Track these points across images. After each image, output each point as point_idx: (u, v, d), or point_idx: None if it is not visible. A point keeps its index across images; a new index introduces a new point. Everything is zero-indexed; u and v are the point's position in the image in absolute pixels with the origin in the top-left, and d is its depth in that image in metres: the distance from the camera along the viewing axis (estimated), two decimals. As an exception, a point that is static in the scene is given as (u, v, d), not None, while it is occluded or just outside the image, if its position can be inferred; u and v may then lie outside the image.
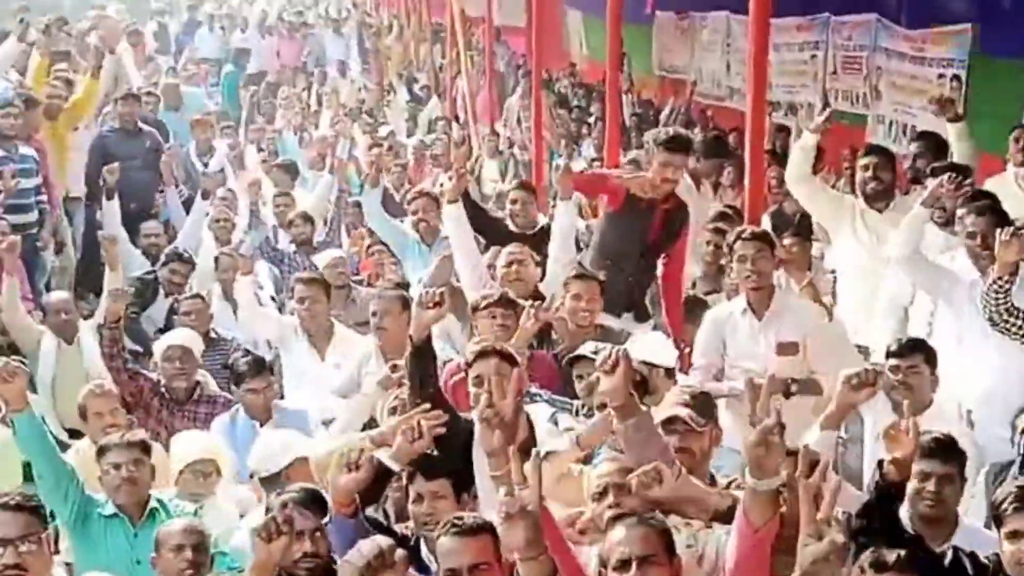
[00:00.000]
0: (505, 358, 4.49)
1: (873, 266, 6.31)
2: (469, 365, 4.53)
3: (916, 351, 4.93)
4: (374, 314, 6.09)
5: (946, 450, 4.01)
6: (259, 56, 18.82)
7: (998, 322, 5.13)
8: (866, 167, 6.52)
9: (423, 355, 4.49)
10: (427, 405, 4.07)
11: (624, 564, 3.20)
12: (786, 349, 5.53)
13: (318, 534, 3.86)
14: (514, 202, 7.37)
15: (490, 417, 3.38)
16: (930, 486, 3.95)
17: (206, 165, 10.61)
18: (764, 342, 5.56)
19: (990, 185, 6.71)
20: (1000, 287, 5.09)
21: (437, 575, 3.71)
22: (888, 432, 3.64)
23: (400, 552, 2.77)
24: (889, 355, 4.92)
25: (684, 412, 3.94)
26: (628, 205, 6.37)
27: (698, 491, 3.56)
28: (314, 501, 4.03)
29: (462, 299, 6.11)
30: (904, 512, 3.95)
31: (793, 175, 6.68)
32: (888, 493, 3.60)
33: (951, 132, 7.01)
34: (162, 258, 8.21)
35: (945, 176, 5.82)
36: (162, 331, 7.42)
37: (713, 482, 3.80)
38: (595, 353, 4.86)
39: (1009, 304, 5.07)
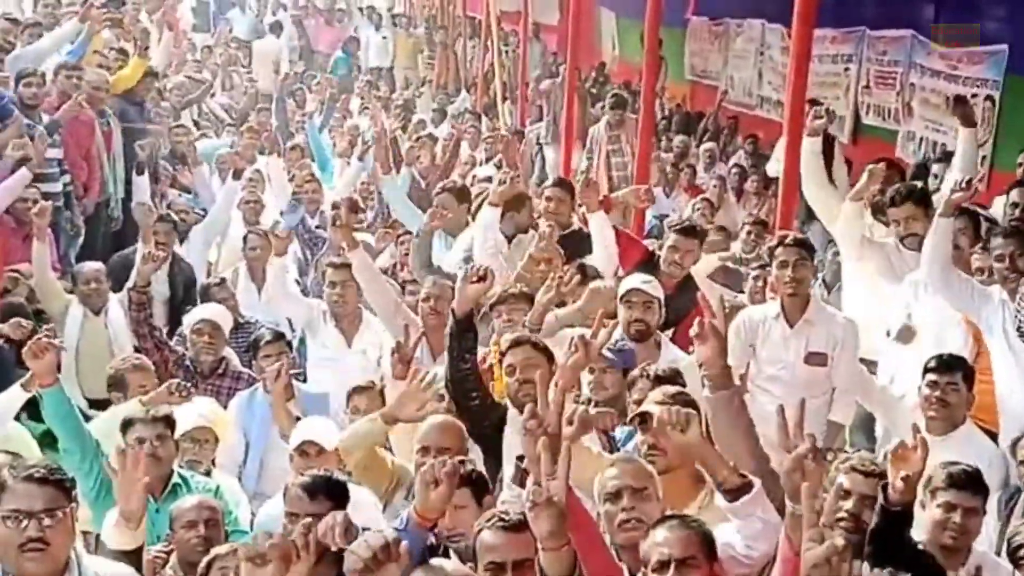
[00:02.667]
0: (539, 349, 4.50)
1: (879, 279, 6.25)
2: (503, 354, 4.54)
3: (956, 368, 4.85)
4: (426, 298, 6.06)
5: (975, 483, 3.97)
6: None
7: None
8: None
9: (465, 329, 4.53)
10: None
11: (663, 565, 3.20)
12: (815, 359, 5.52)
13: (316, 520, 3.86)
14: (549, 200, 7.29)
15: (533, 428, 3.24)
16: (956, 517, 3.91)
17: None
18: (793, 350, 5.54)
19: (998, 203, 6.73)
20: None
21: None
22: (895, 452, 3.55)
23: (404, 544, 2.76)
24: (927, 371, 4.85)
25: (658, 410, 3.90)
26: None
27: (713, 457, 3.50)
28: (324, 487, 3.98)
29: None
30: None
31: (805, 179, 6.62)
32: (897, 516, 3.52)
33: (961, 137, 6.92)
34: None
35: (963, 179, 5.69)
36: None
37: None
38: None
39: None
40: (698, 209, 9.51)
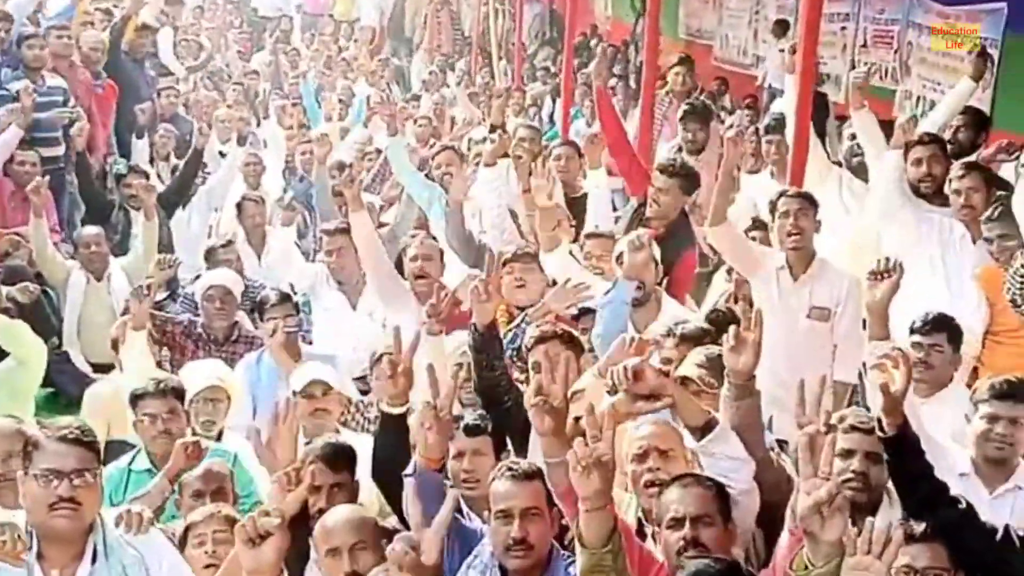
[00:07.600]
0: (566, 341, 4.40)
1: (859, 236, 6.23)
2: (529, 350, 4.44)
3: (940, 329, 4.70)
4: (414, 259, 5.86)
5: (1020, 392, 3.93)
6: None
7: (1021, 304, 4.99)
8: (853, 136, 6.55)
9: (490, 341, 4.42)
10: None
11: (677, 522, 3.24)
12: (817, 314, 5.53)
13: (335, 490, 3.90)
14: (558, 159, 7.26)
15: (539, 404, 3.29)
16: (999, 428, 3.90)
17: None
18: (796, 303, 5.52)
19: None
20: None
21: (478, 530, 3.73)
22: (882, 360, 3.57)
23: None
24: (912, 331, 4.71)
25: (696, 372, 3.96)
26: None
27: (684, 398, 3.51)
28: (339, 456, 4.04)
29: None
30: (964, 453, 3.99)
31: None
32: (897, 443, 3.50)
33: (959, 88, 7.12)
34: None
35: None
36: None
37: None
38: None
39: None
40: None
